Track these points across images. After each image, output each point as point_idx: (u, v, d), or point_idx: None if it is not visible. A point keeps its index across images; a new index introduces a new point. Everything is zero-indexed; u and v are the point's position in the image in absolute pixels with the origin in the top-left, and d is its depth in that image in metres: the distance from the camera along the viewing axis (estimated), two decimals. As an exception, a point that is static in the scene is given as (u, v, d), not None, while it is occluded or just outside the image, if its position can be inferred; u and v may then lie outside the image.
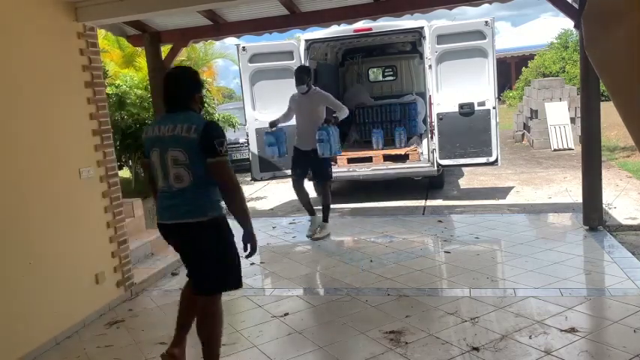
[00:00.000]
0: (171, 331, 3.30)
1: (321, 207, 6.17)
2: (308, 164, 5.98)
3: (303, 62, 7.72)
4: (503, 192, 8.16)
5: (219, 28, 5.90)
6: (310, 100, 5.88)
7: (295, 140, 6.08)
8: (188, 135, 2.73)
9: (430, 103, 7.44)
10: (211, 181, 2.79)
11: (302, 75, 5.87)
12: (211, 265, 2.89)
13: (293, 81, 7.57)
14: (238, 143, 11.96)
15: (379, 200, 8.00)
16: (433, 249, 5.51)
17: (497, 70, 7.32)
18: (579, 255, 4.89)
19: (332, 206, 7.95)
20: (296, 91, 5.98)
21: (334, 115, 5.90)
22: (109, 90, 6.77)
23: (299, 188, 6.06)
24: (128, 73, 8.41)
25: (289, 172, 7.72)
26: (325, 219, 6.15)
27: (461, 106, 7.20)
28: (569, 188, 7.83)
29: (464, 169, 9.41)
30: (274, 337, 3.62)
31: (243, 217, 2.85)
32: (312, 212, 6.18)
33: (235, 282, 2.99)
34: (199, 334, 2.94)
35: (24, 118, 3.63)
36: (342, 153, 8.49)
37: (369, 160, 8.12)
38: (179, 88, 2.88)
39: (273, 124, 6.14)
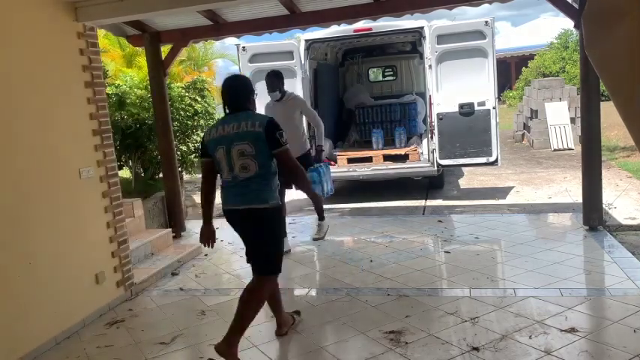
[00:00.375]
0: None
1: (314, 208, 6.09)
2: None
3: (303, 62, 7.73)
4: (503, 192, 8.16)
5: (219, 28, 5.90)
6: (286, 107, 5.43)
7: None
8: (254, 129, 3.16)
9: (430, 103, 7.45)
10: (272, 170, 3.23)
11: (273, 80, 5.34)
12: (270, 247, 3.28)
13: (293, 81, 7.63)
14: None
15: (379, 200, 8.00)
16: (433, 249, 5.51)
17: (497, 70, 7.33)
18: (579, 255, 4.89)
19: (332, 206, 8.00)
20: (269, 99, 5.49)
21: (319, 145, 5.61)
22: (109, 90, 6.77)
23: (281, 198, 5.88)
24: (129, 72, 8.40)
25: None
26: (320, 217, 6.07)
27: (461, 106, 7.21)
28: (569, 188, 7.83)
29: (464, 169, 9.42)
30: (274, 337, 3.61)
31: (306, 184, 3.56)
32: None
33: (274, 267, 3.32)
34: (242, 306, 3.24)
35: (24, 118, 3.63)
36: (342, 153, 8.54)
37: (369, 160, 8.13)
38: (238, 94, 3.34)
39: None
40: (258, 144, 3.15)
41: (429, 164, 7.72)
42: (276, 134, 3.17)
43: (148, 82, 6.59)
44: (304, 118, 5.68)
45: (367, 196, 8.31)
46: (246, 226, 3.30)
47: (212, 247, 3.47)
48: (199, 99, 7.92)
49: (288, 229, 6.54)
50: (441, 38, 7.21)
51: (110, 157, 4.45)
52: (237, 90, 3.36)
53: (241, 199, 3.23)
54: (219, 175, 3.32)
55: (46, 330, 3.71)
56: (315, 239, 5.92)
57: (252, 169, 3.18)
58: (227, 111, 3.35)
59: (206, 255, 5.69)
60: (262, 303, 3.31)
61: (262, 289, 3.29)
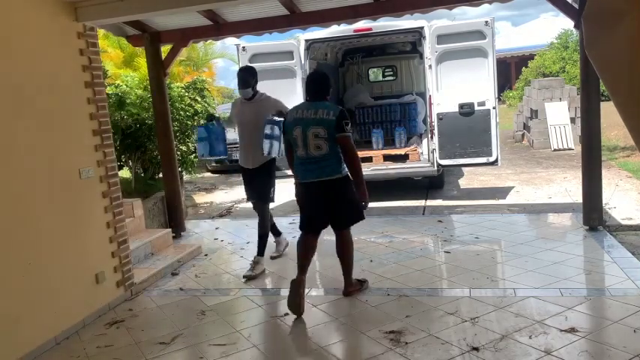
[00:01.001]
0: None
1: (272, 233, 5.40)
2: (254, 185, 5.10)
3: (303, 62, 7.73)
4: (503, 192, 8.16)
5: (219, 28, 5.91)
6: (256, 108, 4.84)
7: (239, 157, 5.18)
8: (329, 117, 3.87)
9: (430, 103, 7.44)
10: (338, 150, 3.93)
11: (247, 76, 4.85)
12: (348, 205, 4.09)
13: (293, 81, 7.63)
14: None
15: (379, 200, 7.99)
16: (433, 249, 5.51)
17: (497, 70, 7.32)
18: (579, 255, 4.89)
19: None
20: (239, 96, 5.05)
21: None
22: (109, 90, 6.77)
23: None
24: (127, 72, 8.39)
25: (290, 171, 7.73)
26: (260, 252, 5.02)
27: (461, 106, 7.21)
28: (569, 188, 7.83)
29: (464, 169, 9.42)
30: (274, 337, 3.62)
31: (360, 177, 4.01)
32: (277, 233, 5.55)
33: (361, 215, 4.16)
34: (342, 256, 4.24)
35: (24, 118, 3.63)
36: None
37: (369, 160, 8.12)
38: (319, 87, 4.07)
39: (211, 117, 5.32)
40: (330, 130, 3.86)
41: (429, 164, 7.72)
42: (343, 122, 3.86)
43: (148, 82, 6.60)
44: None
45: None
46: (320, 195, 4.04)
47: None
48: (199, 99, 7.92)
49: (288, 229, 6.54)
50: (441, 38, 7.21)
51: (110, 157, 4.45)
52: (319, 83, 4.09)
53: (316, 173, 3.98)
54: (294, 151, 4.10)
55: (46, 330, 3.70)
56: (247, 277, 4.81)
57: (324, 149, 3.91)
58: (307, 99, 4.09)
59: (206, 255, 5.69)
60: (352, 244, 4.24)
61: (347, 237, 4.21)
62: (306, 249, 4.15)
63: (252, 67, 5.07)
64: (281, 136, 4.53)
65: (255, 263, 4.92)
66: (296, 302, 3.87)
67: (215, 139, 5.09)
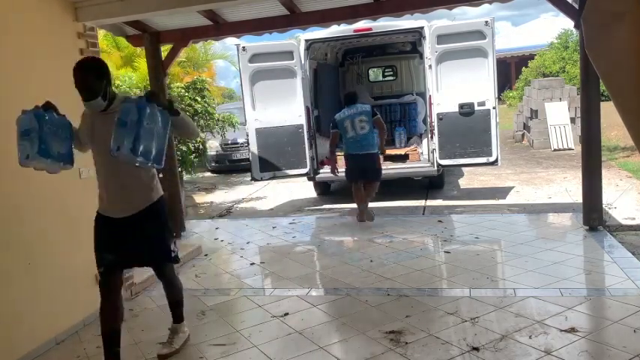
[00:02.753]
0: None
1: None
2: (136, 242, 3.19)
3: (303, 62, 7.72)
4: (503, 192, 8.16)
5: (219, 28, 5.91)
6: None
7: (99, 204, 3.24)
8: (365, 109, 6.34)
9: (430, 103, 7.44)
10: (375, 130, 6.39)
11: (89, 81, 3.02)
12: (377, 168, 6.57)
13: (294, 81, 7.62)
14: (238, 143, 11.97)
15: (379, 200, 7.99)
16: (433, 249, 5.51)
17: (497, 70, 7.32)
18: (579, 255, 4.89)
19: (332, 206, 7.99)
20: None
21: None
22: (109, 90, 6.75)
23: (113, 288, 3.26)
24: (125, 72, 8.39)
25: (290, 172, 7.75)
26: (178, 318, 3.59)
27: (461, 106, 7.20)
28: (569, 188, 7.83)
29: (464, 169, 9.42)
30: (274, 337, 3.61)
31: (382, 146, 6.65)
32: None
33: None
34: (366, 195, 6.58)
35: (24, 118, 3.62)
36: (342, 153, 8.51)
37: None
38: (354, 96, 6.61)
39: (47, 105, 3.07)
40: (368, 117, 6.28)
41: (429, 164, 7.72)
42: (375, 110, 6.51)
43: (148, 82, 6.60)
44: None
45: (367, 196, 8.31)
46: (363, 161, 6.40)
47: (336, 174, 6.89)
48: (199, 99, 7.92)
49: (287, 229, 6.56)
50: (441, 38, 7.20)
51: (110, 157, 4.44)
52: (354, 94, 6.68)
53: (361, 148, 6.34)
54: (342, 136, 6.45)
55: (46, 330, 3.70)
56: (161, 356, 3.43)
57: (366, 129, 6.28)
58: (345, 104, 6.51)
59: (206, 255, 5.69)
60: (376, 189, 6.71)
61: (376, 186, 6.67)
62: (360, 191, 6.52)
63: (95, 63, 3.15)
64: (153, 126, 2.91)
65: (173, 333, 3.54)
66: (358, 195, 6.56)
67: (50, 134, 3.03)
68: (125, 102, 2.95)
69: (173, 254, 3.32)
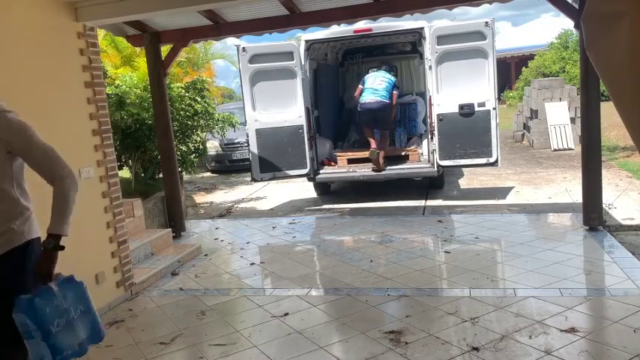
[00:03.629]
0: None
1: None
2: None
3: (303, 63, 7.72)
4: (503, 192, 8.16)
5: (219, 28, 5.91)
6: None
7: None
8: (390, 77, 7.97)
9: (430, 104, 7.44)
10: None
11: None
12: (388, 118, 7.96)
13: (294, 81, 7.63)
14: (238, 143, 11.97)
15: (379, 200, 8.00)
16: (433, 249, 5.51)
17: (497, 70, 7.32)
18: (579, 255, 4.89)
19: (332, 206, 7.98)
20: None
21: (48, 239, 2.77)
22: (108, 90, 6.76)
23: None
24: (124, 72, 8.38)
25: (290, 172, 7.76)
26: None
27: (461, 106, 7.20)
28: (569, 188, 7.83)
29: (464, 169, 9.42)
30: (274, 337, 3.62)
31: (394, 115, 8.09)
32: None
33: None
34: (378, 151, 7.56)
35: (24, 118, 3.62)
36: (342, 153, 8.55)
37: (369, 160, 8.11)
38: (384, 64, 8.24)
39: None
40: (390, 82, 7.80)
41: (429, 165, 7.71)
42: (397, 85, 7.82)
43: (148, 82, 6.60)
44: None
45: (367, 196, 8.31)
46: (375, 110, 7.68)
47: None
48: (199, 99, 7.91)
49: (287, 229, 6.56)
50: (441, 39, 7.20)
51: (110, 157, 4.45)
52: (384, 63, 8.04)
53: (376, 94, 7.62)
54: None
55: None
56: None
57: (383, 86, 7.68)
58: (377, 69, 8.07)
59: (206, 255, 5.69)
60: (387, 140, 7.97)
61: (386, 135, 7.87)
62: (370, 131, 7.80)
63: None
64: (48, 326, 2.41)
65: None
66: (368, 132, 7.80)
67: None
68: None
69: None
